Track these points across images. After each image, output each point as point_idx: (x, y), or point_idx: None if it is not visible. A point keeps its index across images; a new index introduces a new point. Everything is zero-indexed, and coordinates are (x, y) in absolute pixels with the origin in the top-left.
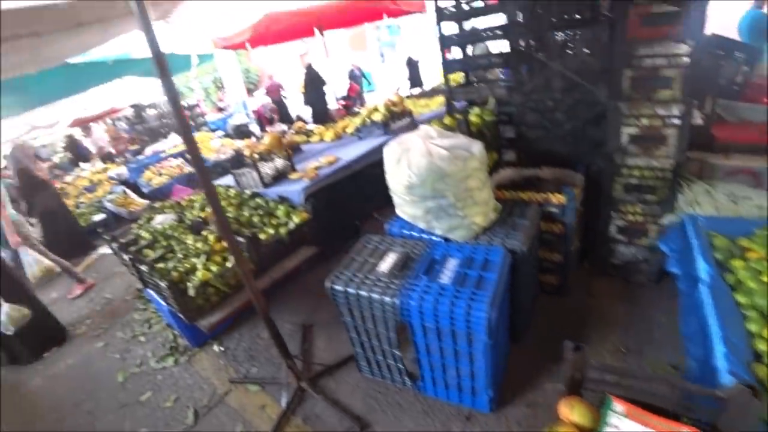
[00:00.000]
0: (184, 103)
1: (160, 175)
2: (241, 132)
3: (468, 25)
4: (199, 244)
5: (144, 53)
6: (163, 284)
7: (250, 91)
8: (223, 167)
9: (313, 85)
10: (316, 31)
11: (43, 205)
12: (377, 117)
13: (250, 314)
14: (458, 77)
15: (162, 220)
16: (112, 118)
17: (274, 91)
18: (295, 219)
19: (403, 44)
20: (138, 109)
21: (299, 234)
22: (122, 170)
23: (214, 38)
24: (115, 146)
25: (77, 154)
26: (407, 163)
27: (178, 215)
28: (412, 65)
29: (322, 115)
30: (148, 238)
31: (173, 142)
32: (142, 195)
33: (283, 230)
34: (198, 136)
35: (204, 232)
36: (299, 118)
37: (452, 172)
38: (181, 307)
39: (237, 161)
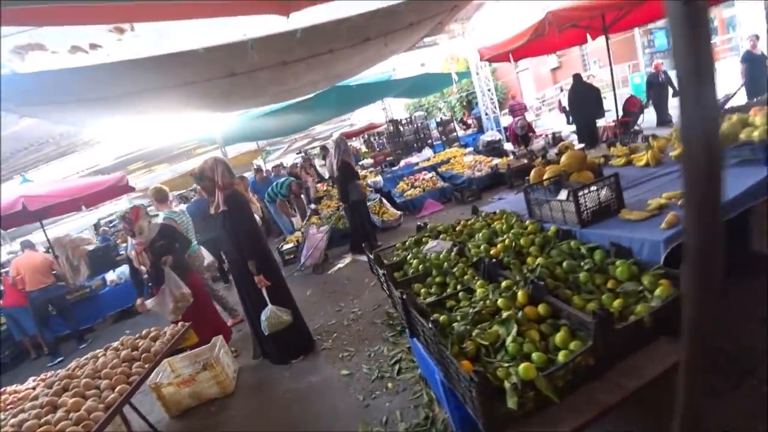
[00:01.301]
0: (437, 118)
1: (414, 187)
2: (493, 149)
3: None
4: (499, 300)
5: (404, 74)
6: (455, 365)
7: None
8: (477, 185)
9: (580, 98)
10: (588, 36)
11: (355, 194)
12: (752, 134)
13: None
14: None
15: (437, 248)
16: (370, 132)
17: (519, 112)
18: (658, 292)
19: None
20: (395, 123)
21: (663, 316)
22: (378, 179)
23: (480, 48)
24: (374, 157)
25: None
26: None
27: (456, 245)
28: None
29: (589, 134)
30: (418, 269)
31: (426, 155)
32: (394, 205)
33: (642, 308)
34: (451, 151)
35: (505, 283)
36: (558, 138)
37: None
38: (482, 408)
39: (494, 178)
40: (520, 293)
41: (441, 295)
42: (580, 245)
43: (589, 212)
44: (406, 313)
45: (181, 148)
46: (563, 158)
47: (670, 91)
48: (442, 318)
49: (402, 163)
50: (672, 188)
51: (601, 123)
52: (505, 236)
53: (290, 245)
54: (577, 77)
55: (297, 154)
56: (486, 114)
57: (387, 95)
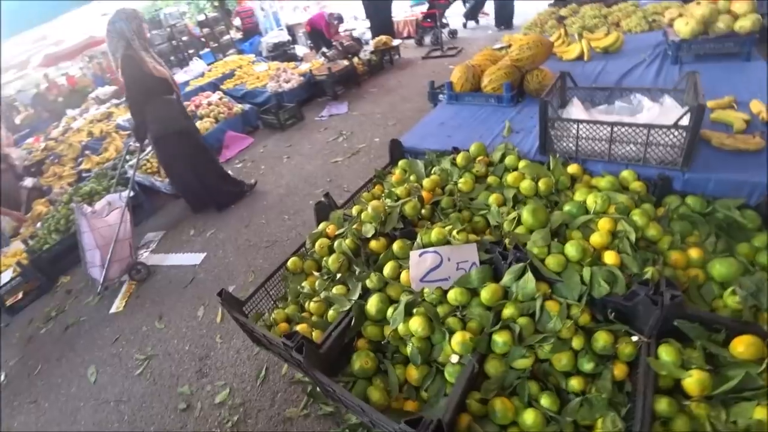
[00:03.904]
0: (198, 17)
1: (197, 117)
2: (284, 53)
3: None
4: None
5: None
6: None
7: None
8: (292, 101)
9: None
10: None
11: (162, 122)
12: (736, 25)
13: None
14: None
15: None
16: (92, 53)
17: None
18: None
19: None
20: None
21: None
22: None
23: None
24: (116, 81)
25: None
26: None
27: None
28: None
29: (384, 27)
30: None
31: (200, 70)
32: None
33: None
34: (232, 60)
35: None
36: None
37: None
38: None
39: (309, 89)
40: None
41: None
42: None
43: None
44: None
45: None
46: (521, 43)
47: None
48: None
49: None
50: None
51: (399, 17)
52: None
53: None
54: None
55: None
56: (262, 9)
57: None
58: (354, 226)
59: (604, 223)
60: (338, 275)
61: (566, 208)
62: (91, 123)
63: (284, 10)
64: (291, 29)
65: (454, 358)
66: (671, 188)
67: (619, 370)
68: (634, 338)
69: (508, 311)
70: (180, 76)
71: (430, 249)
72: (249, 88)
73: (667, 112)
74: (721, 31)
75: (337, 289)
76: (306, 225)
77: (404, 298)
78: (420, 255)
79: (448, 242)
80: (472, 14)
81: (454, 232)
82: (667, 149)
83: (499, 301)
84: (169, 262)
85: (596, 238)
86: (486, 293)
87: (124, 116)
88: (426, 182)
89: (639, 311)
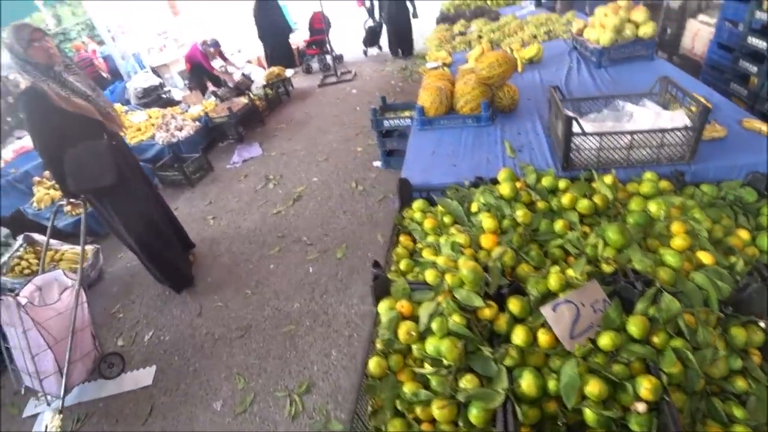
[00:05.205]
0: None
1: None
2: (158, 98)
3: None
4: None
5: None
6: None
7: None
8: (193, 150)
9: (267, 13)
10: None
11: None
12: (641, 32)
13: None
14: None
15: None
16: None
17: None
18: None
19: None
20: None
21: None
22: None
23: None
24: None
25: None
26: None
27: None
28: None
29: (285, 56)
30: None
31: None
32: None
33: None
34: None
35: None
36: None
37: None
38: None
39: (208, 133)
40: None
41: None
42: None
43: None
44: None
45: None
46: (489, 60)
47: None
48: None
49: (6, 154)
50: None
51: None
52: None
53: None
54: None
55: None
56: (122, 52)
57: None
58: (441, 298)
59: (678, 227)
60: (456, 364)
61: (631, 219)
62: None
63: (149, 53)
64: (156, 71)
65: (641, 407)
66: (685, 181)
67: (758, 357)
68: (762, 324)
69: (658, 339)
70: (18, 143)
71: (560, 300)
72: (132, 143)
73: (660, 114)
74: (629, 37)
75: (466, 381)
76: (280, 296)
77: (571, 369)
78: (554, 309)
79: (569, 286)
80: (372, 41)
81: (577, 273)
82: (676, 148)
83: (646, 330)
84: (109, 392)
85: (679, 242)
86: (635, 327)
87: None
88: (487, 222)
89: (753, 299)
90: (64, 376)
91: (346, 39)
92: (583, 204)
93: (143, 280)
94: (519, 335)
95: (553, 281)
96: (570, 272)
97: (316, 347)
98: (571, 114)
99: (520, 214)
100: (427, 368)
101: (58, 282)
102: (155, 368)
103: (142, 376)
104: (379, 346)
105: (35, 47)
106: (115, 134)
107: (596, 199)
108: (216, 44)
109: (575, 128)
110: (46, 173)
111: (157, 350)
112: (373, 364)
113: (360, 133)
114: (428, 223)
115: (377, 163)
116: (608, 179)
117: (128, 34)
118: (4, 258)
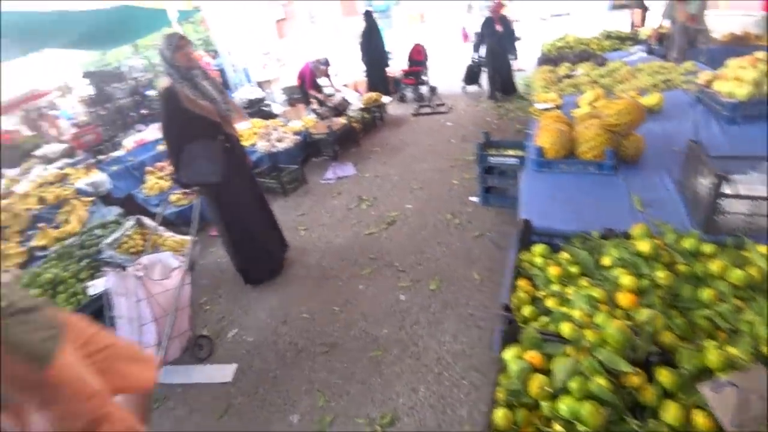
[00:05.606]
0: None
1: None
2: (260, 111)
3: None
4: None
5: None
6: None
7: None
8: (288, 162)
9: (372, 39)
10: None
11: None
12: None
13: None
14: None
15: None
16: (31, 106)
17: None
18: None
19: None
20: (98, 78)
21: None
22: (99, 178)
23: None
24: (76, 139)
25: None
26: None
27: None
28: None
29: (381, 83)
30: None
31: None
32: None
33: None
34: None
35: None
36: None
37: None
38: None
39: (304, 149)
40: None
41: None
42: None
43: None
44: None
45: None
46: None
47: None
48: None
49: (128, 143)
50: None
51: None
52: None
53: None
54: (367, 14)
55: None
56: (233, 65)
57: (50, 43)
58: (580, 355)
59: None
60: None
61: None
62: (41, 187)
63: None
64: (260, 85)
65: None
66: None
67: None
68: None
69: None
70: (142, 134)
71: (723, 380)
72: None
73: None
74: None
75: None
76: (368, 319)
77: None
78: (716, 390)
79: (731, 365)
80: (471, 79)
81: (741, 352)
82: None
83: None
84: (189, 379)
85: None
86: None
87: (85, 179)
88: (625, 279)
89: None
90: (162, 349)
91: (443, 72)
92: (737, 274)
93: (232, 277)
94: (671, 412)
95: (713, 357)
96: (731, 350)
97: (403, 379)
98: (722, 173)
99: (662, 275)
100: (559, 429)
101: (162, 263)
102: (236, 367)
103: (222, 372)
104: (502, 395)
105: (180, 53)
106: (230, 136)
107: (751, 270)
108: (326, 63)
109: (726, 189)
110: (160, 164)
111: (239, 349)
112: (501, 416)
113: (455, 166)
114: (553, 270)
115: (474, 198)
116: (764, 249)
117: (238, 51)
118: (117, 234)
